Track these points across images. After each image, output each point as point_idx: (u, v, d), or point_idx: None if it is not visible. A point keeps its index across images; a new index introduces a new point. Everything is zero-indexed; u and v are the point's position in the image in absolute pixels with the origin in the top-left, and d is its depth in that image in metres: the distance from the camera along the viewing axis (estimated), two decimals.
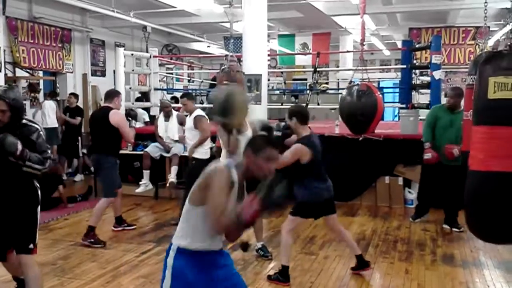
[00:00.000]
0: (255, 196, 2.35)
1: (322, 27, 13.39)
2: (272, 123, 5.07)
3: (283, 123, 4.39)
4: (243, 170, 2.51)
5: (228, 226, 2.39)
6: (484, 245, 5.30)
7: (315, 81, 10.06)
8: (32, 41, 10.07)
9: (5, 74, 8.78)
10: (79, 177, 9.70)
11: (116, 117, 5.54)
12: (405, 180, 7.35)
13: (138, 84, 13.09)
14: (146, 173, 7.49)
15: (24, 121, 3.42)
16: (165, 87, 12.37)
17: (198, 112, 6.26)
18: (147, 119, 10.57)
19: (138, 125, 9.02)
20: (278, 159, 2.55)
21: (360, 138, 7.29)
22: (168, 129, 7.57)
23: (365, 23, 8.30)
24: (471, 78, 3.49)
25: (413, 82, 9.68)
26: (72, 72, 11.50)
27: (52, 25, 10.69)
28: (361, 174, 7.41)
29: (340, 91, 10.78)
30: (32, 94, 10.21)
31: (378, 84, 13.61)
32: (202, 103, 11.68)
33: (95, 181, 7.80)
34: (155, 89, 10.51)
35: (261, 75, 7.09)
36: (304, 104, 9.12)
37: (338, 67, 15.61)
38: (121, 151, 5.88)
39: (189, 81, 13.60)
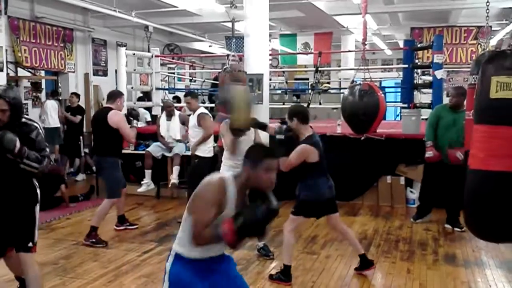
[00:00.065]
0: (231, 219, 2.33)
1: (324, 27, 13.38)
2: (273, 122, 5.07)
3: (284, 126, 4.36)
4: (242, 181, 2.47)
5: (208, 240, 2.38)
6: (486, 245, 5.30)
7: (316, 81, 10.06)
8: (34, 41, 10.08)
9: (7, 74, 8.79)
10: (81, 177, 9.72)
11: (115, 118, 5.48)
12: (407, 180, 7.34)
13: (140, 84, 13.11)
14: (148, 172, 7.50)
15: (23, 119, 3.43)
16: (166, 87, 12.38)
17: (202, 110, 6.28)
18: (149, 119, 10.59)
19: (140, 124, 9.03)
20: (278, 168, 2.49)
21: (362, 138, 7.29)
22: (170, 128, 7.58)
23: (367, 23, 8.29)
24: (473, 78, 3.48)
25: (415, 81, 9.66)
26: (74, 72, 11.51)
27: (54, 25, 10.70)
28: (363, 173, 7.40)
29: (342, 90, 10.77)
30: (35, 94, 10.22)
31: (380, 83, 13.60)
32: (203, 102, 11.69)
33: (97, 180, 7.82)
34: (157, 88, 10.51)
35: (262, 74, 7.09)
36: (305, 104, 9.14)
37: (339, 66, 15.60)
38: (123, 151, 5.87)
39: (190, 80, 13.60)
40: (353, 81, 8.12)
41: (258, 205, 2.38)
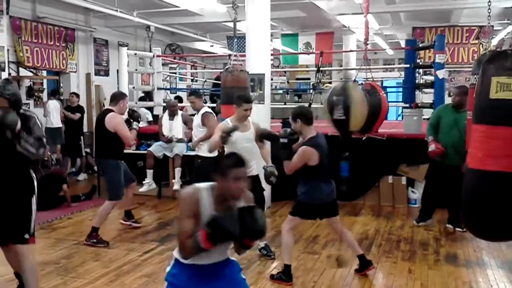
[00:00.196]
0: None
1: (325, 27, 13.37)
2: (275, 122, 5.08)
3: (288, 129, 4.36)
4: (216, 191, 2.49)
5: (192, 249, 2.40)
6: (487, 245, 5.30)
7: (318, 81, 10.04)
8: (35, 41, 10.10)
9: (9, 74, 8.81)
10: (82, 176, 9.72)
11: (113, 121, 5.41)
12: (408, 180, 7.33)
13: (141, 84, 13.11)
14: (150, 172, 7.51)
15: (21, 111, 3.47)
16: (168, 87, 12.39)
17: (206, 109, 6.28)
18: (150, 119, 10.59)
19: (142, 124, 9.04)
20: (246, 177, 2.51)
21: (364, 138, 7.28)
22: (172, 128, 7.58)
23: (368, 23, 8.28)
24: (475, 78, 3.48)
25: (417, 81, 9.64)
26: (75, 72, 11.53)
27: (56, 25, 10.71)
28: (365, 173, 7.40)
29: None
30: (36, 94, 10.24)
31: (382, 83, 13.58)
32: (205, 102, 11.68)
33: (99, 180, 7.82)
34: (158, 88, 10.52)
35: (264, 74, 7.08)
36: (307, 104, 9.13)
37: (341, 66, 15.57)
38: (125, 151, 5.85)
39: (192, 80, 13.62)
40: (355, 81, 8.11)
41: (227, 208, 2.41)
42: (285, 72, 15.65)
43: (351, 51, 14.32)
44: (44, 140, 3.51)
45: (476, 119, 3.27)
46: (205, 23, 12.85)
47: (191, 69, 14.84)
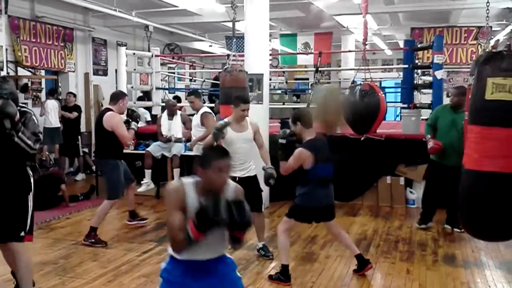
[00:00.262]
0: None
1: (324, 27, 13.37)
2: (273, 122, 5.07)
3: (288, 131, 4.36)
4: (200, 184, 2.48)
5: (182, 243, 2.39)
6: (485, 246, 5.30)
7: (317, 81, 10.04)
8: (34, 40, 10.08)
9: (7, 73, 8.79)
10: (80, 176, 9.71)
11: (111, 120, 5.40)
12: (406, 180, 7.34)
13: (140, 83, 13.10)
14: (148, 172, 7.50)
15: (17, 107, 3.48)
16: (167, 87, 12.38)
17: (205, 109, 6.27)
18: (149, 118, 10.59)
19: (140, 124, 9.03)
20: (229, 168, 2.49)
21: (362, 138, 7.28)
22: (171, 127, 7.57)
23: (367, 23, 8.28)
24: (473, 78, 3.49)
25: (415, 82, 9.65)
26: (74, 71, 11.50)
27: (54, 24, 10.69)
28: (363, 174, 7.40)
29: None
30: (34, 93, 10.22)
31: (380, 83, 13.58)
32: (204, 102, 11.67)
33: (97, 180, 7.81)
34: (157, 88, 10.52)
35: (262, 74, 7.08)
36: (305, 104, 9.13)
37: (340, 66, 15.59)
38: (123, 151, 5.85)
39: (190, 80, 13.62)
40: (353, 81, 8.12)
41: (214, 196, 2.38)
42: (283, 72, 15.64)
43: (349, 51, 14.34)
44: (41, 136, 3.52)
45: (472, 120, 3.28)
46: (204, 23, 12.83)
47: (189, 69, 14.82)
